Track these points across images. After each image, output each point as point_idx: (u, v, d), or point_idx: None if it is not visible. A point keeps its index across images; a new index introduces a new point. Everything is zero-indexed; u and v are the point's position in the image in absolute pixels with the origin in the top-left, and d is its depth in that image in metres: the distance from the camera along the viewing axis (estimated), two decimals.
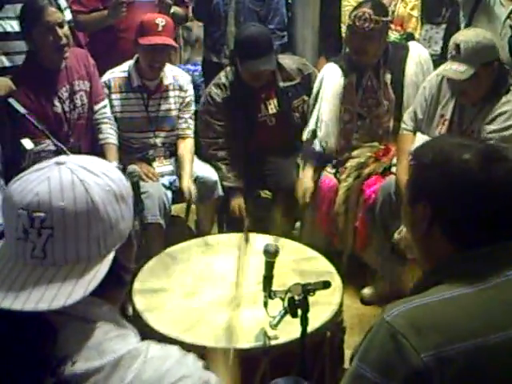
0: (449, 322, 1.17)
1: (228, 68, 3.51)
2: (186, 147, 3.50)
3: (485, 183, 1.25)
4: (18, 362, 0.96)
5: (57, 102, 3.11)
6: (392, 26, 3.90)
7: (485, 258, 1.25)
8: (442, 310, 1.19)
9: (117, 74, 3.40)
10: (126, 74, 3.39)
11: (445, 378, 1.11)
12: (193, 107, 3.57)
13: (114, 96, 3.39)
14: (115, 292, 1.10)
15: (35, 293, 0.96)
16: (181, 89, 3.49)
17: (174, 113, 3.50)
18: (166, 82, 3.44)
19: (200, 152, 3.59)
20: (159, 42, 3.23)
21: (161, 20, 3.25)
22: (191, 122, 3.56)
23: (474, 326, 1.16)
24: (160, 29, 3.23)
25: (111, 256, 1.04)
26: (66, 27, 3.00)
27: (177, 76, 3.50)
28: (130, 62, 3.40)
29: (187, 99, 3.52)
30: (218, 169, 3.48)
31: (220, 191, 3.46)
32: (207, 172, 3.47)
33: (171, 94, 3.47)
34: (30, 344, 0.97)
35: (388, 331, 1.16)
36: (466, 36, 2.82)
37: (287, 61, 3.51)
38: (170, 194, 3.35)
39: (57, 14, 2.96)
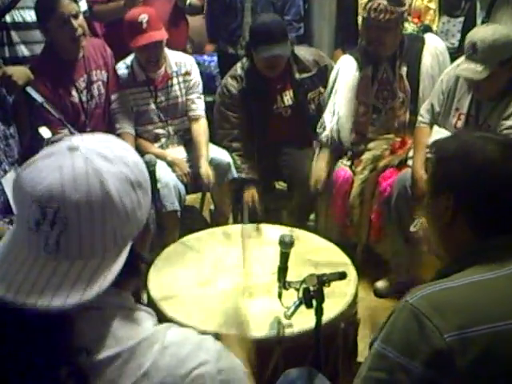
0: (471, 304, 1.19)
1: (244, 60, 3.50)
2: (200, 129, 3.48)
3: (507, 173, 1.29)
4: (34, 350, 0.94)
5: (74, 92, 3.13)
6: (409, 18, 3.89)
7: (506, 245, 1.27)
8: (464, 294, 1.20)
9: (120, 70, 3.39)
10: (129, 70, 3.38)
11: (466, 359, 1.13)
12: (200, 88, 3.55)
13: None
14: (130, 280, 1.08)
15: (48, 289, 0.93)
16: (185, 73, 3.48)
17: (182, 99, 3.50)
18: (169, 70, 3.43)
19: (213, 136, 3.58)
20: (146, 43, 3.21)
21: (143, 16, 3.19)
22: (200, 102, 3.54)
23: (496, 310, 1.18)
24: (145, 26, 3.19)
25: (128, 247, 1.01)
26: (80, 18, 3.01)
27: (180, 62, 3.48)
28: (131, 57, 3.39)
29: (193, 81, 3.51)
30: (232, 160, 3.48)
31: (234, 173, 3.44)
32: (220, 154, 3.46)
33: (175, 80, 3.46)
34: (47, 334, 0.94)
35: (411, 312, 1.18)
36: (482, 34, 2.74)
37: (303, 52, 3.50)
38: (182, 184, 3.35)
39: (71, 6, 2.96)
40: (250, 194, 3.41)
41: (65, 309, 0.92)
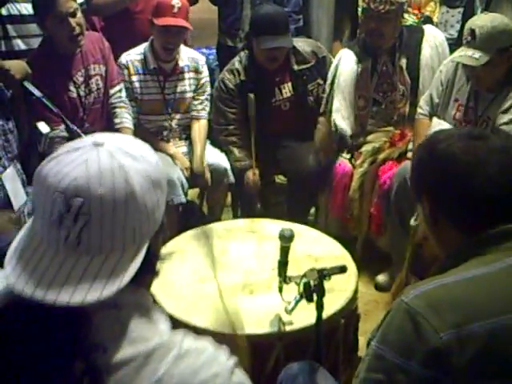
0: (467, 301, 1.18)
1: (242, 53, 3.48)
2: (200, 129, 3.51)
3: (469, 164, 1.30)
4: (50, 345, 0.94)
5: (72, 87, 3.11)
6: (409, 9, 3.87)
7: (495, 239, 1.27)
8: (459, 290, 1.20)
9: (133, 56, 3.40)
10: (142, 57, 3.39)
11: (464, 356, 1.12)
12: (208, 89, 3.57)
13: (134, 78, 3.39)
14: (146, 278, 1.08)
15: (68, 285, 0.93)
16: (196, 71, 3.50)
17: (189, 94, 3.51)
18: (181, 63, 3.44)
19: (211, 136, 3.60)
20: (173, 24, 3.22)
21: (177, 1, 3.23)
22: (207, 104, 3.57)
23: (492, 305, 1.18)
24: (176, 10, 3.22)
25: (145, 246, 1.01)
26: (78, 15, 2.97)
27: (192, 58, 3.50)
28: (146, 44, 3.40)
29: (202, 81, 3.53)
30: (229, 152, 3.48)
31: (231, 178, 3.45)
32: (218, 159, 3.47)
33: (187, 75, 3.48)
34: (64, 328, 0.94)
35: (406, 312, 1.17)
36: (481, 21, 2.76)
37: (301, 44, 3.48)
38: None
39: (69, 3, 2.92)
40: (251, 175, 3.39)
41: (84, 305, 0.92)
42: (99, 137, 1.02)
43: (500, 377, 1.15)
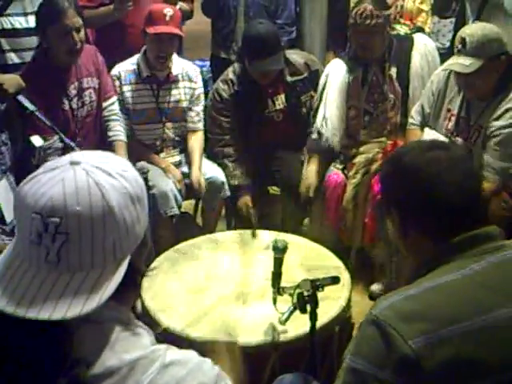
0: (434, 309, 1.21)
1: (236, 64, 3.50)
2: (197, 140, 3.51)
3: (433, 174, 1.33)
4: (33, 361, 0.94)
5: (65, 100, 3.10)
6: (401, 20, 3.90)
7: (461, 247, 1.30)
8: (426, 299, 1.23)
9: (126, 66, 3.41)
10: (135, 66, 3.40)
11: (435, 362, 1.15)
12: (203, 100, 3.57)
13: (125, 88, 3.40)
14: (128, 294, 1.09)
15: (49, 301, 0.94)
16: (190, 79, 3.50)
17: (183, 104, 3.50)
18: (174, 72, 3.44)
19: (208, 150, 3.59)
20: (165, 31, 3.24)
21: (168, 10, 3.26)
22: (203, 116, 3.56)
23: (460, 310, 1.20)
24: (168, 19, 3.24)
25: (126, 261, 1.02)
26: (82, 32, 2.99)
27: (185, 67, 3.51)
28: (139, 54, 3.41)
29: (197, 91, 3.53)
30: (224, 167, 3.47)
31: (227, 192, 3.45)
32: (215, 172, 3.46)
33: (181, 84, 3.48)
34: (46, 344, 0.95)
35: (376, 324, 1.21)
36: (471, 30, 2.79)
37: (294, 56, 3.49)
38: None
39: (75, 18, 2.93)
40: (244, 202, 3.40)
41: (64, 320, 0.93)
42: (76, 155, 1.03)
43: (471, 380, 1.17)
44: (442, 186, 1.32)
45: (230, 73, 3.47)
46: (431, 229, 1.34)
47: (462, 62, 2.74)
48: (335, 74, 3.34)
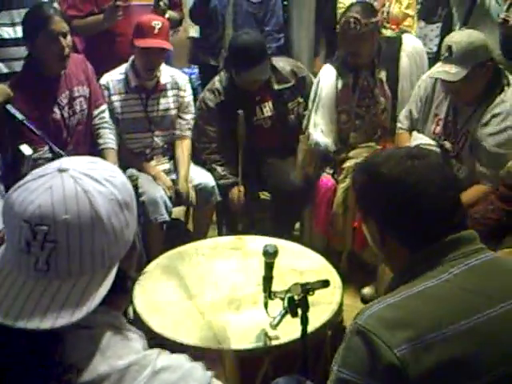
0: (417, 315, 1.22)
1: (222, 73, 3.52)
2: (184, 148, 3.52)
3: (413, 184, 1.34)
4: (24, 368, 0.95)
5: (56, 109, 3.11)
6: (387, 25, 3.92)
7: (440, 251, 1.31)
8: (409, 306, 1.24)
9: (114, 75, 3.42)
10: (123, 76, 3.41)
11: (421, 369, 1.16)
12: (193, 108, 3.58)
13: (114, 98, 3.40)
14: (119, 299, 1.09)
15: (39, 310, 0.94)
16: (179, 88, 3.51)
17: (172, 112, 3.51)
18: (163, 81, 3.45)
19: (195, 156, 3.61)
20: (154, 46, 3.25)
21: (157, 23, 3.26)
22: (192, 124, 3.57)
23: (443, 316, 1.21)
24: (156, 31, 3.25)
25: (116, 267, 1.02)
26: (68, 38, 3.01)
27: (174, 75, 3.52)
28: (127, 64, 3.41)
29: (186, 99, 3.54)
30: (213, 170, 3.50)
31: (218, 197, 3.47)
32: (204, 178, 3.48)
33: (169, 93, 3.49)
34: (37, 351, 0.95)
35: (360, 333, 1.21)
36: (457, 37, 2.80)
37: (281, 64, 3.51)
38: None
39: (62, 24, 2.95)
40: (236, 191, 3.42)
41: (54, 328, 0.93)
42: (64, 162, 1.03)
43: (463, 381, 1.18)
44: (419, 196, 1.33)
45: (216, 82, 3.49)
46: (411, 237, 1.35)
47: (448, 70, 2.75)
48: (326, 80, 3.36)
